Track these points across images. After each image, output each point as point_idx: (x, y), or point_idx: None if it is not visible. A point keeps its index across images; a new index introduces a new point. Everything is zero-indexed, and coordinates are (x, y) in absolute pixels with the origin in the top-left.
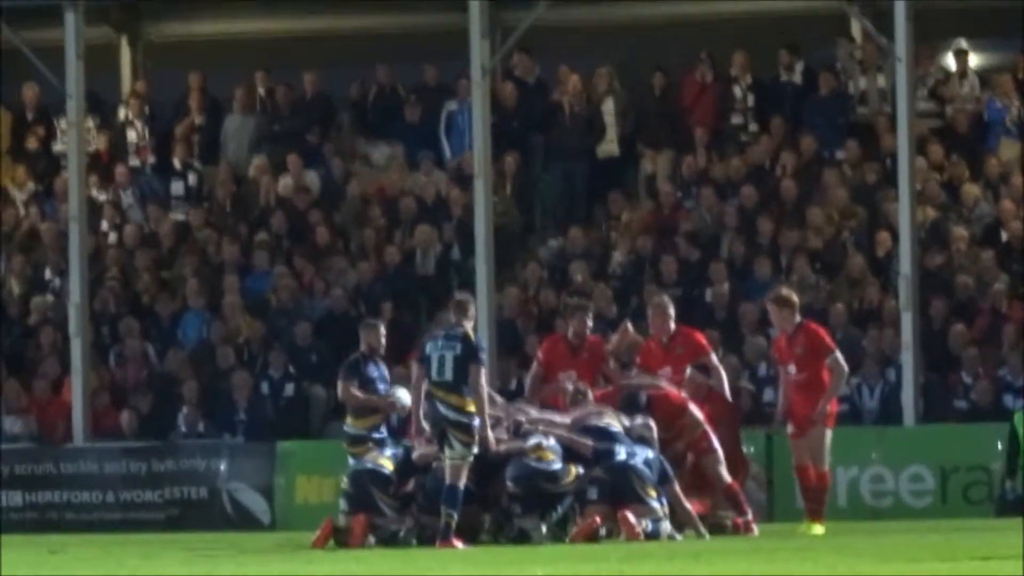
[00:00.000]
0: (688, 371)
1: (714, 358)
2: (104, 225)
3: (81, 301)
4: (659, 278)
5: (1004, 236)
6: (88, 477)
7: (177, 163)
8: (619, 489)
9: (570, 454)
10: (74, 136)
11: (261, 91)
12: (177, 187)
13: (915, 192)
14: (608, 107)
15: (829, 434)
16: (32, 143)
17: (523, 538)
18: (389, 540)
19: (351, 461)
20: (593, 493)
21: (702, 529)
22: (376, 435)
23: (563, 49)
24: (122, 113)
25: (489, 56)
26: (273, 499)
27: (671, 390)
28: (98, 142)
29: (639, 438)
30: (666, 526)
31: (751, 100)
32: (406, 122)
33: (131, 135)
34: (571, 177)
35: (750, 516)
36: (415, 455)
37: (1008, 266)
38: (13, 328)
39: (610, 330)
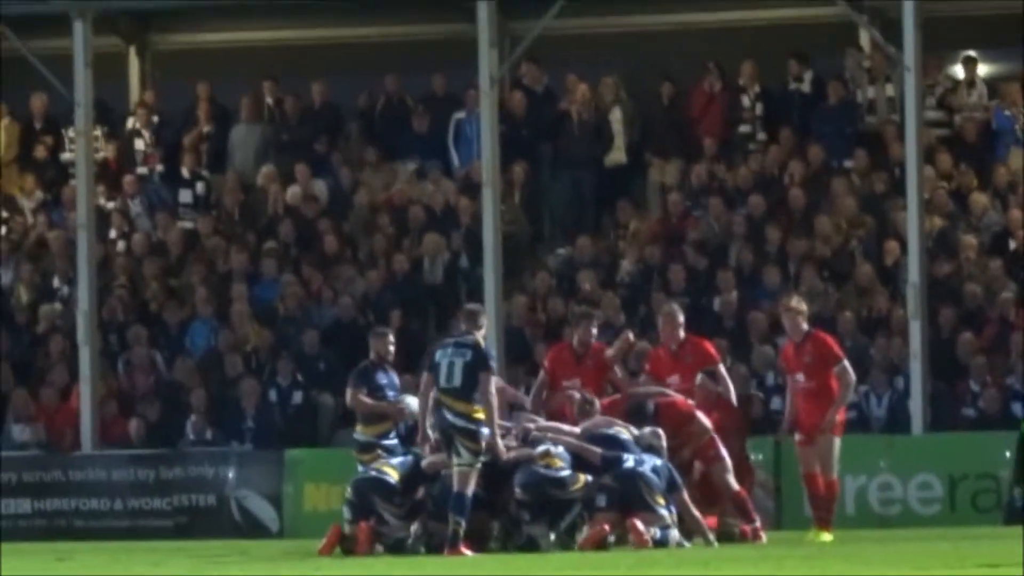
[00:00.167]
0: (699, 378)
1: (722, 368)
2: (112, 233)
3: (89, 309)
4: (667, 287)
5: (1012, 245)
6: (96, 485)
7: (185, 172)
8: (628, 496)
9: (579, 462)
10: (82, 145)
11: (269, 100)
12: (185, 195)
13: (923, 201)
14: (616, 116)
15: (838, 443)
16: (40, 152)
17: (531, 545)
18: (396, 547)
19: (360, 469)
20: (602, 500)
21: (711, 537)
22: (386, 442)
23: (571, 58)
24: (130, 122)
25: (497, 65)
26: (281, 507)
27: (678, 398)
28: (106, 151)
29: (648, 447)
30: (675, 534)
31: (759, 109)
32: (414, 132)
33: (139, 144)
34: (579, 186)
35: (758, 523)
36: (424, 463)
37: (1016, 275)
38: (22, 336)
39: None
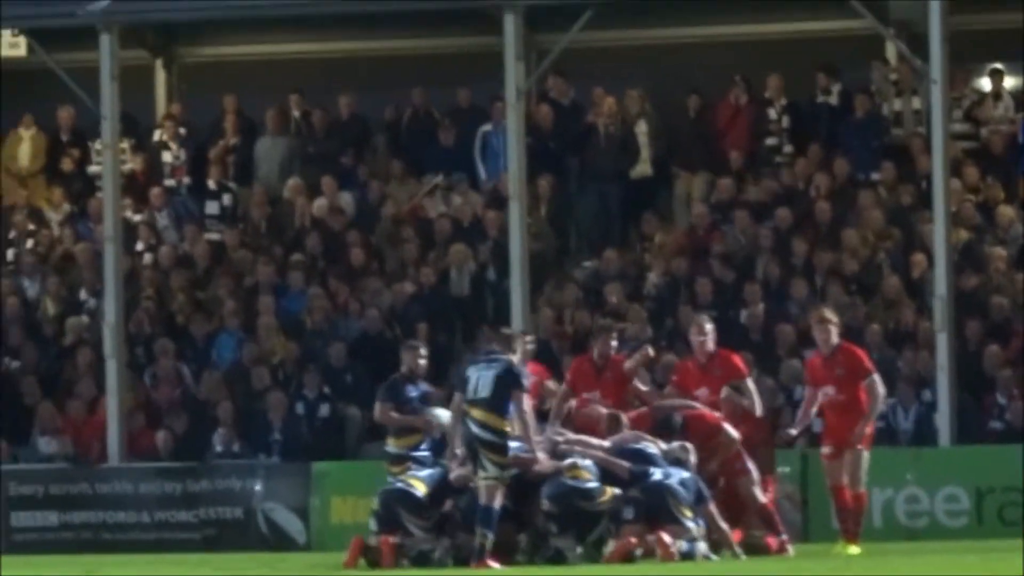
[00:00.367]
0: (724, 392)
1: (750, 381)
2: (139, 246)
3: (116, 322)
4: (694, 299)
5: None
6: (123, 497)
7: (212, 184)
8: (655, 509)
9: (607, 476)
10: (109, 157)
11: (296, 113)
12: (212, 207)
13: (950, 213)
14: (642, 129)
15: (867, 456)
16: (67, 165)
17: (559, 558)
18: (421, 560)
19: (389, 480)
20: (629, 513)
21: (738, 550)
22: (417, 453)
23: (597, 71)
24: (157, 134)
25: (524, 78)
26: (308, 520)
27: (705, 410)
28: (133, 163)
29: (675, 460)
30: (702, 546)
31: (786, 122)
32: (441, 144)
33: (166, 156)
34: (605, 198)
35: (785, 536)
36: (452, 476)
37: None
38: (48, 349)
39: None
